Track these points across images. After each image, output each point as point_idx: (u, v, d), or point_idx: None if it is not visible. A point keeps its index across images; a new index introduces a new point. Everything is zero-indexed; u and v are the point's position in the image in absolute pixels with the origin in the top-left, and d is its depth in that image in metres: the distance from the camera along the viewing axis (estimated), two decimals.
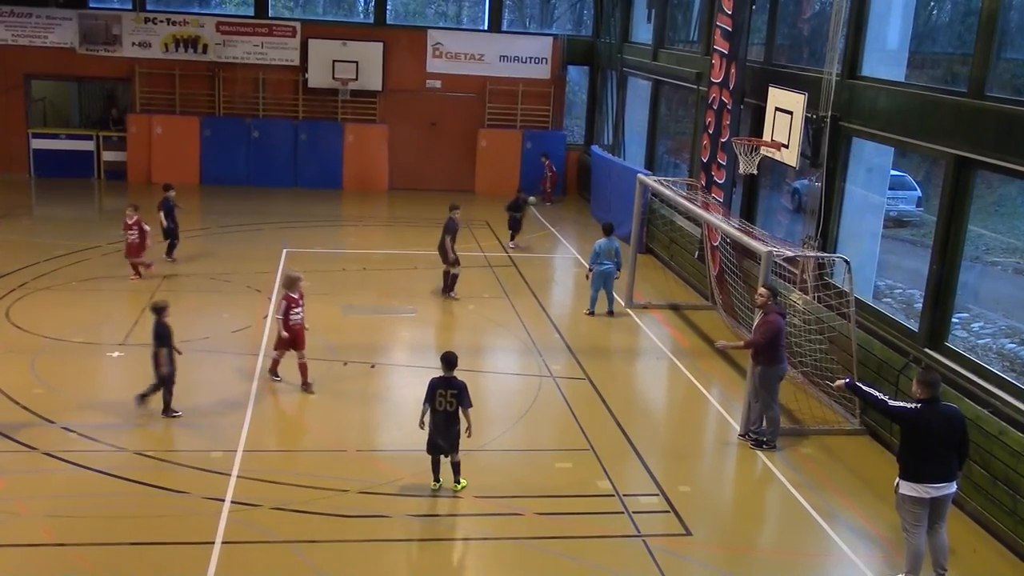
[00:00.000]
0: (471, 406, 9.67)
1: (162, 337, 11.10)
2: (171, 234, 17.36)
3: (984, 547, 9.43)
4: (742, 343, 11.99)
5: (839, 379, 9.30)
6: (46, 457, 10.07)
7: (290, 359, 12.21)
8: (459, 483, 9.86)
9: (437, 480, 9.82)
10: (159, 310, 11.23)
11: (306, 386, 12.10)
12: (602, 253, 15.69)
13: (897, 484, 8.48)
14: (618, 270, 15.91)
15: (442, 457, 9.77)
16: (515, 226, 20.14)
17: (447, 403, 9.56)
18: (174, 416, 11.13)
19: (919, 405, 8.42)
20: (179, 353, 11.35)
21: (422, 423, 9.73)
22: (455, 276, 16.23)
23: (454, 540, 9.16)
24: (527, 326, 15.11)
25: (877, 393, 8.79)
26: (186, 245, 18.87)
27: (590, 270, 15.87)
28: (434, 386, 9.65)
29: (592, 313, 15.80)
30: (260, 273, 16.99)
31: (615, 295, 16.05)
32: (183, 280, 16.43)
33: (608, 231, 16.01)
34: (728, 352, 13.41)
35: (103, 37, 24.23)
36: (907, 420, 8.43)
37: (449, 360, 9.66)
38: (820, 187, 13.52)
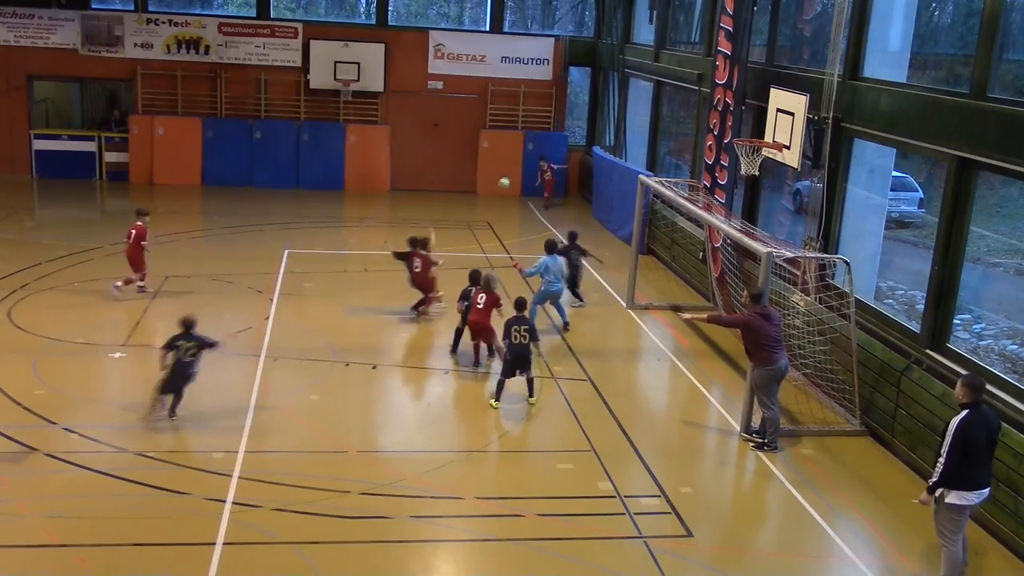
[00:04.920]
0: (539, 340, 12.23)
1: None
2: None
3: (986, 549, 9.41)
4: (705, 316, 12.26)
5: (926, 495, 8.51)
6: (47, 458, 10.07)
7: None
8: (533, 397, 12.07)
9: (498, 399, 11.86)
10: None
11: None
12: (556, 271, 14.78)
13: (941, 494, 8.23)
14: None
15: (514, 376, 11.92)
16: (571, 278, 15.91)
17: (521, 336, 11.79)
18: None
19: (968, 411, 8.23)
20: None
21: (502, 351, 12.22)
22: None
23: (455, 541, 9.15)
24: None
25: (943, 458, 8.26)
26: (188, 246, 18.91)
27: (528, 275, 15.02)
28: (509, 324, 11.89)
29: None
30: (262, 274, 16.99)
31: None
32: (184, 281, 16.44)
33: (554, 248, 15.05)
34: (698, 324, 14.43)
35: (105, 38, 24.26)
36: (963, 429, 8.13)
37: (519, 303, 12.24)
38: (821, 188, 13.52)
